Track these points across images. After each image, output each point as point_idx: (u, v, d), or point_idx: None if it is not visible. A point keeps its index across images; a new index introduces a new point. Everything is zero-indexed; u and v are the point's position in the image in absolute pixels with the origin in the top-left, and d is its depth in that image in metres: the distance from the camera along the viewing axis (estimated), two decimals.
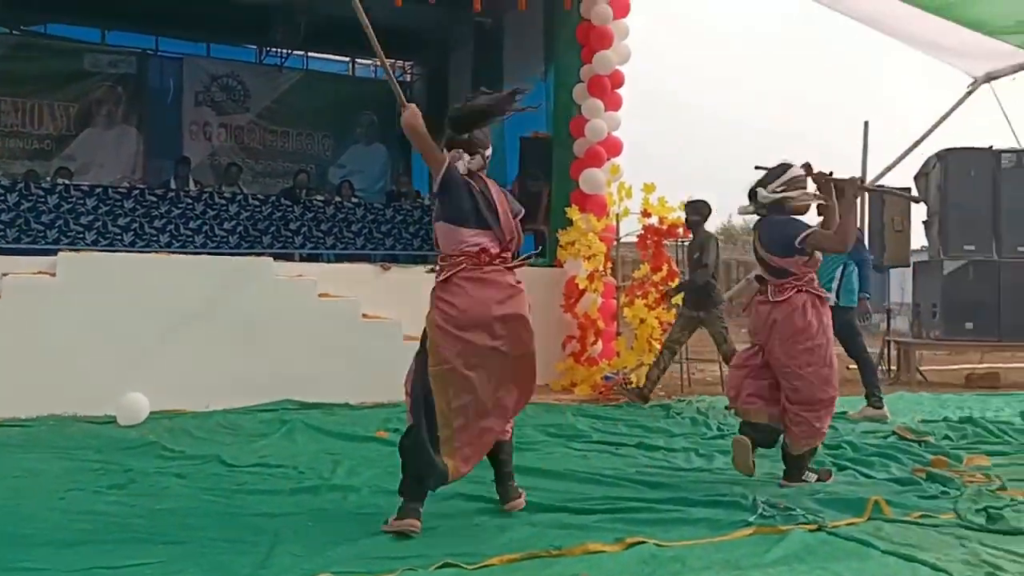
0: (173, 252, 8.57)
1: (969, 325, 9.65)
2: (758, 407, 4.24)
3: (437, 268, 3.59)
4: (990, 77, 10.16)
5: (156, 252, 8.29)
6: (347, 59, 14.26)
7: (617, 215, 8.23)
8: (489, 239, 3.56)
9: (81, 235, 8.73)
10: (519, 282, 3.59)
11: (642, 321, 7.78)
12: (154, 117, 12.50)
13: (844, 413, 6.78)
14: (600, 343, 8.04)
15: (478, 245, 3.52)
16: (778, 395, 4.24)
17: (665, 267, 7.88)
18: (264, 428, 5.66)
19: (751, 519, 3.54)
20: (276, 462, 4.68)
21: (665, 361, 7.17)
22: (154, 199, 9.08)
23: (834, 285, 6.64)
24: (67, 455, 4.80)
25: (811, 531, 3.43)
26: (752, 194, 4.34)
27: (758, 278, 4.46)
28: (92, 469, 4.48)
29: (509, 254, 3.59)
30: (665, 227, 7.87)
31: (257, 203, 9.50)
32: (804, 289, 4.21)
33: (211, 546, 3.21)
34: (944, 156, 9.94)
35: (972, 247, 9.79)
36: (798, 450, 4.24)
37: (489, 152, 3.68)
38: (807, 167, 4.32)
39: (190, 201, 9.21)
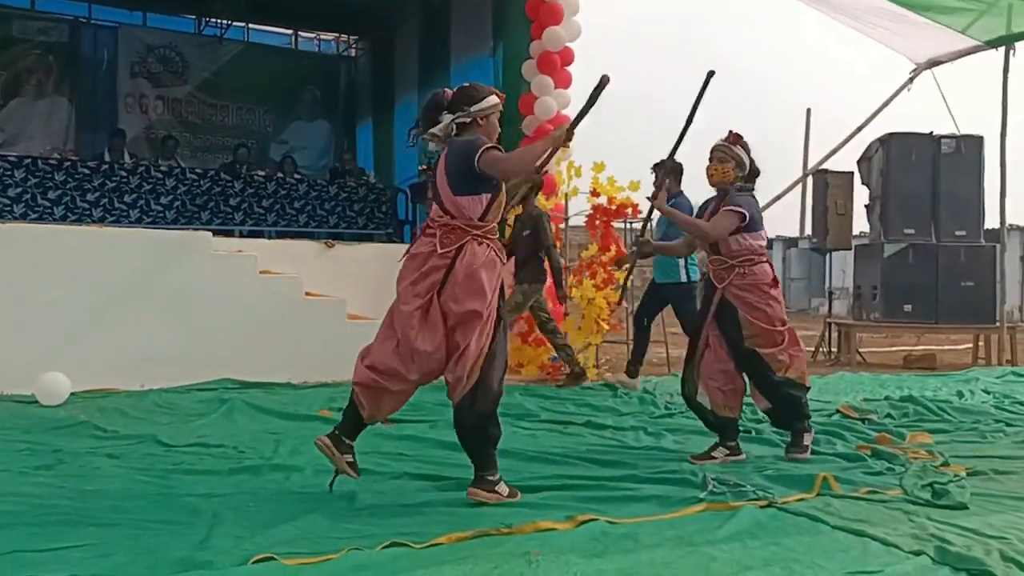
0: (107, 226, 8.28)
1: (908, 308, 9.84)
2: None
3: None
4: (932, 63, 10.33)
5: (88, 226, 8.01)
6: (290, 32, 13.92)
7: (566, 195, 8.16)
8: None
9: (8, 208, 8.38)
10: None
11: (590, 301, 7.74)
12: (87, 88, 12.05)
13: None
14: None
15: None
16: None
17: (613, 247, 7.84)
18: (202, 408, 5.48)
19: (701, 495, 3.51)
20: (215, 442, 4.52)
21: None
22: (87, 172, 8.76)
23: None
24: None
25: (762, 507, 3.41)
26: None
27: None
28: (18, 450, 4.26)
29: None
30: (614, 207, 7.83)
31: (195, 177, 9.23)
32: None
33: (145, 528, 3.05)
34: (886, 141, 10.09)
35: (912, 231, 9.96)
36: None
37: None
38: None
39: (125, 174, 8.90)
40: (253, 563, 2.67)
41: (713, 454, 4.30)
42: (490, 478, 3.46)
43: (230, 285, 6.51)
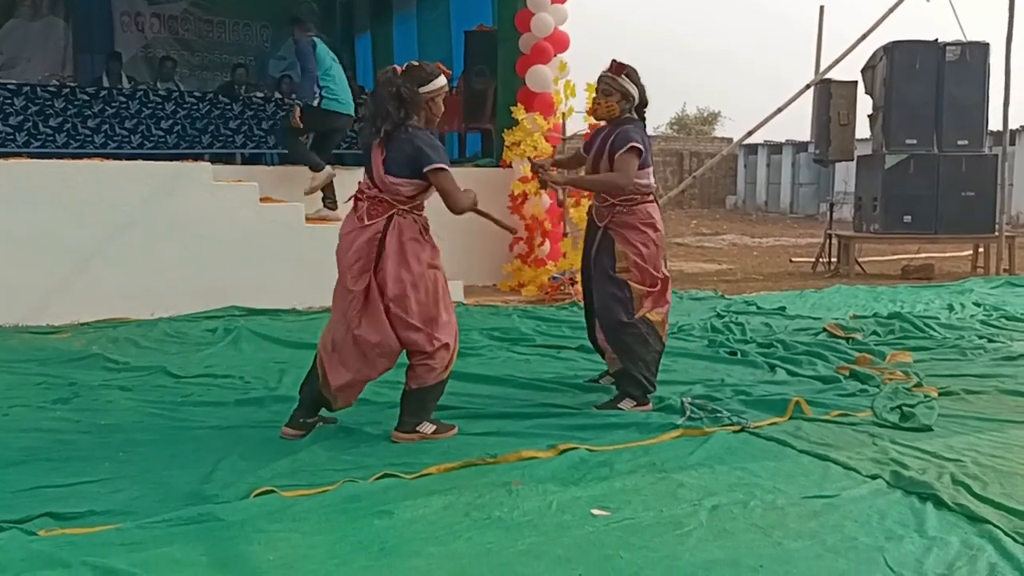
0: (109, 153, 8.36)
1: (907, 219, 9.89)
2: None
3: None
4: None
5: (91, 154, 8.08)
6: None
7: (563, 114, 8.15)
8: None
9: (11, 136, 8.43)
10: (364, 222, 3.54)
11: None
12: (82, 6, 11.87)
13: (783, 309, 7.03)
14: (547, 244, 8.11)
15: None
16: None
17: None
18: (210, 336, 5.69)
19: (679, 422, 3.72)
20: (222, 372, 4.74)
21: None
22: (86, 98, 8.75)
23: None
24: (9, 368, 4.79)
25: (734, 432, 3.62)
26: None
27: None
28: (35, 383, 4.48)
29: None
30: None
31: (194, 100, 9.21)
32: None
33: (156, 461, 3.29)
34: (890, 49, 9.94)
35: (914, 141, 9.92)
36: None
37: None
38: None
39: (124, 100, 8.89)
40: (255, 496, 2.90)
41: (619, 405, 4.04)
42: (413, 420, 3.56)
43: (232, 215, 6.63)
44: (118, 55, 10.52)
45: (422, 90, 3.50)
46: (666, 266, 4.17)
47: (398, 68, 3.55)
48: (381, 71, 3.61)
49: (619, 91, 4.06)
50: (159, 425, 3.80)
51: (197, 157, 8.11)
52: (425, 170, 3.44)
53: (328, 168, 7.25)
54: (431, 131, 3.61)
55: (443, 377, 3.61)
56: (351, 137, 8.62)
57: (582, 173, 4.37)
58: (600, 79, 4.13)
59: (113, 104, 8.80)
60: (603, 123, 4.24)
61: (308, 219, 7.01)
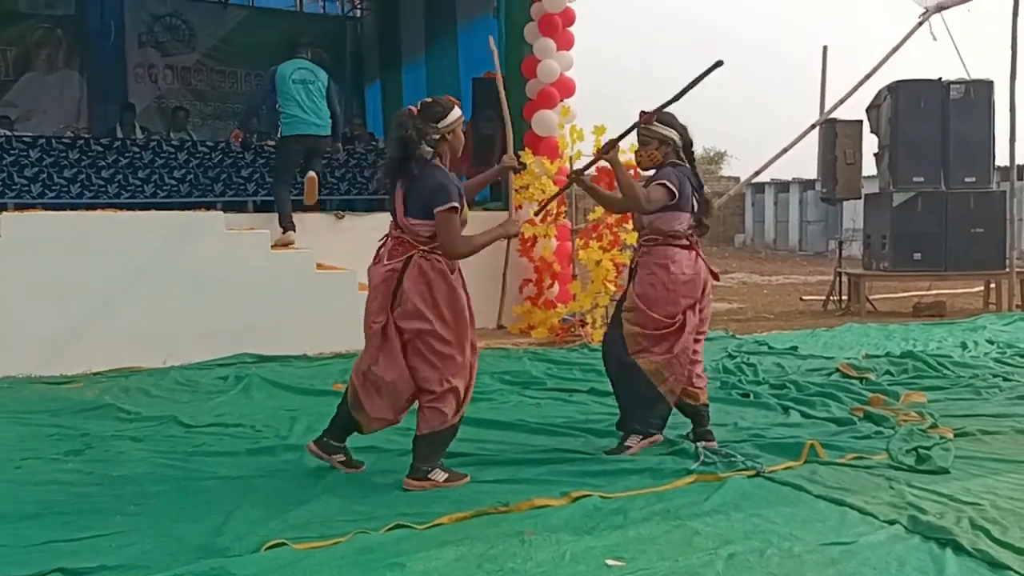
0: (122, 203, 8.45)
1: (917, 256, 9.87)
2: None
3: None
4: (940, 7, 10.19)
5: (104, 204, 8.18)
6: None
7: (571, 157, 8.22)
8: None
9: (27, 188, 8.54)
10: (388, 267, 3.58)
11: (597, 263, 7.86)
12: (96, 60, 12.16)
13: (795, 348, 7.00)
14: (557, 286, 8.14)
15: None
16: None
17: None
18: (221, 384, 5.71)
19: (693, 467, 3.69)
20: (234, 421, 4.74)
21: None
22: (100, 149, 8.88)
23: None
24: (22, 420, 4.81)
25: (749, 477, 3.59)
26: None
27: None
28: (48, 435, 4.50)
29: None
30: None
31: (206, 150, 9.32)
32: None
33: (167, 514, 3.27)
34: (895, 88, 10.01)
35: (921, 178, 9.95)
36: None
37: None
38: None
39: (137, 150, 9.01)
40: (267, 549, 2.87)
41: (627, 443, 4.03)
42: (425, 468, 3.55)
43: (244, 262, 6.69)
44: (132, 106, 10.71)
45: (441, 125, 3.55)
46: (696, 315, 4.00)
47: (413, 109, 3.61)
48: (397, 113, 3.67)
49: (656, 138, 4.01)
50: (171, 476, 3.79)
51: (210, 206, 8.21)
52: (435, 211, 3.47)
53: (291, 234, 7.28)
54: (446, 169, 3.62)
55: (454, 422, 3.60)
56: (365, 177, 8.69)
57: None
58: (637, 132, 4.03)
59: (127, 154, 8.92)
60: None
61: (273, 246, 7.02)
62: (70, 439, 4.41)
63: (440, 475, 3.57)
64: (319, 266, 7.04)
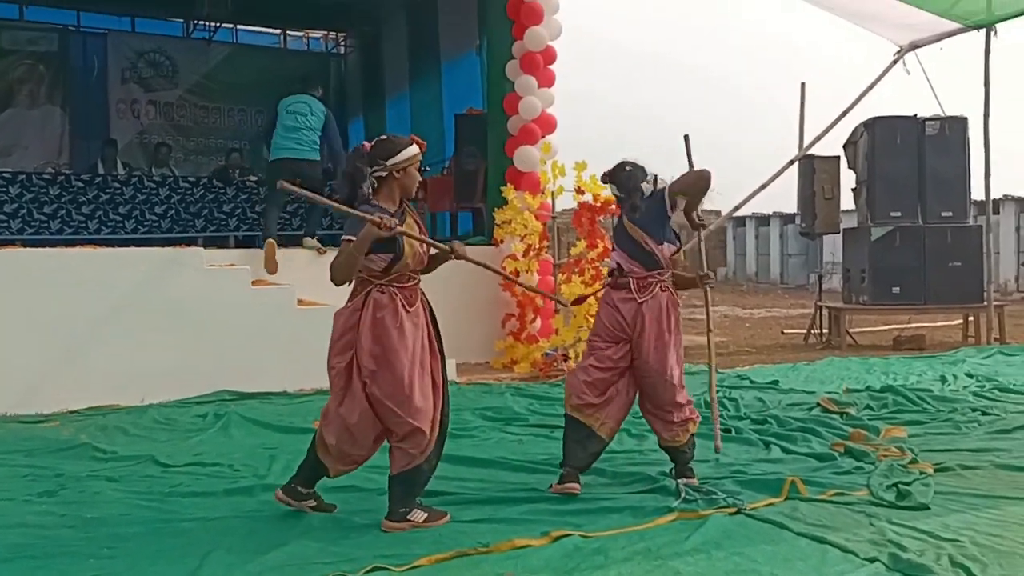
0: (102, 239, 8.43)
1: (896, 290, 9.97)
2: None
3: None
4: (914, 46, 10.38)
5: (85, 240, 8.15)
6: (278, 31, 14.00)
7: (552, 193, 8.27)
8: None
9: (5, 224, 8.53)
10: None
11: None
12: (79, 96, 12.18)
13: (776, 382, 7.02)
14: (539, 320, 8.14)
15: None
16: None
17: (600, 244, 7.97)
18: (200, 423, 5.64)
19: (674, 505, 3.68)
20: (212, 460, 4.68)
21: None
22: (81, 185, 8.90)
23: None
24: None
25: (730, 514, 3.58)
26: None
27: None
28: (22, 475, 4.42)
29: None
30: (599, 204, 7.94)
31: (188, 185, 9.36)
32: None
33: (142, 557, 3.21)
34: (871, 125, 10.18)
35: (898, 213, 10.08)
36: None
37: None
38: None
39: (118, 186, 9.04)
40: None
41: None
42: (403, 510, 3.51)
43: (224, 298, 6.65)
44: (113, 142, 10.74)
45: (390, 162, 3.53)
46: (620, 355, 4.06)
47: (367, 145, 3.60)
48: (353, 148, 3.70)
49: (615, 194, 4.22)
50: (146, 517, 3.73)
51: (191, 241, 8.20)
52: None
53: (271, 241, 7.50)
54: (381, 205, 3.54)
55: (420, 462, 3.53)
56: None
57: None
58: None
59: (107, 190, 8.93)
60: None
61: (254, 283, 7.01)
62: (44, 479, 4.33)
63: (419, 515, 3.53)
64: (300, 302, 7.01)
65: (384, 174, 3.53)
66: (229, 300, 6.66)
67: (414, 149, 3.59)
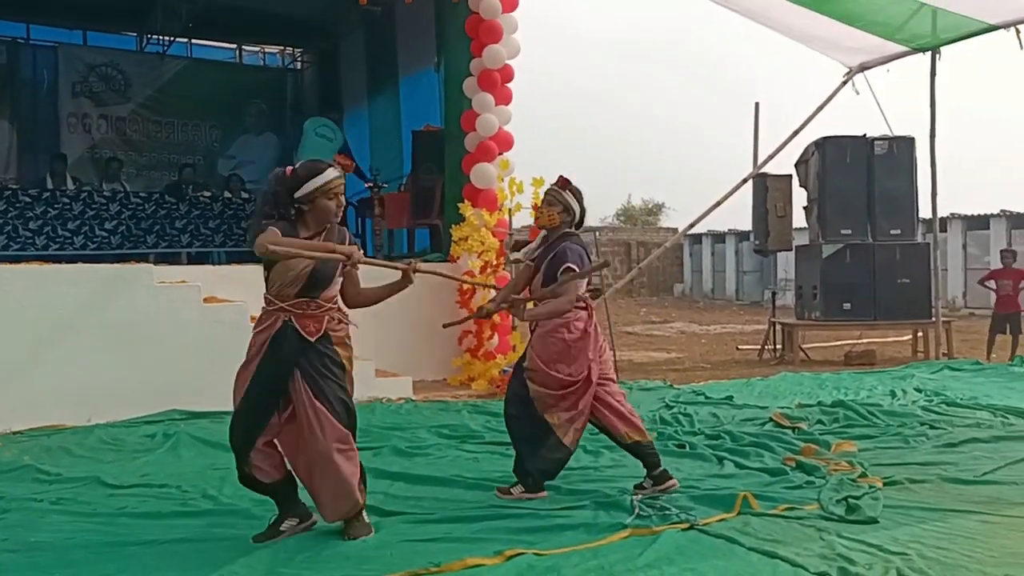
0: (50, 255, 8.24)
1: (847, 305, 10.16)
2: None
3: None
4: (863, 67, 10.63)
5: (31, 256, 7.96)
6: (233, 46, 13.87)
7: (509, 210, 8.29)
8: None
9: None
10: None
11: None
12: (28, 109, 11.94)
13: (731, 398, 7.08)
14: (496, 337, 8.13)
15: None
16: None
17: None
18: (148, 443, 5.52)
19: (627, 521, 3.68)
20: (159, 481, 4.59)
21: None
22: (28, 200, 8.70)
23: None
24: None
25: (683, 530, 3.59)
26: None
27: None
28: None
29: None
30: None
31: (139, 201, 9.21)
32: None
33: None
34: (822, 144, 10.39)
35: (848, 231, 10.29)
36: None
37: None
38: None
39: (67, 201, 8.87)
40: None
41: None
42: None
43: (175, 316, 6.54)
44: (63, 156, 10.53)
45: (297, 195, 3.51)
46: (602, 368, 4.24)
47: (288, 170, 3.58)
48: (272, 173, 3.64)
49: (561, 203, 4.28)
50: (91, 541, 3.63)
51: (141, 258, 8.06)
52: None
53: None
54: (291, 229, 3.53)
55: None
56: None
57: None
58: (547, 191, 4.35)
59: (56, 205, 8.75)
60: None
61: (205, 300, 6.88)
62: None
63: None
64: (253, 319, 6.87)
65: (295, 208, 3.52)
66: (179, 317, 6.55)
67: (324, 177, 3.51)
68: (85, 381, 6.14)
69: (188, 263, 8.84)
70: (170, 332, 6.47)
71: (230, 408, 6.36)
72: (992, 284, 10.57)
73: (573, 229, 4.34)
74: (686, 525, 3.64)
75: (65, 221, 8.73)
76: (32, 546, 3.57)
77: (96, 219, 8.89)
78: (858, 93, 10.66)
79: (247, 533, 3.65)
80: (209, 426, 5.94)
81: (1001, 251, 11.58)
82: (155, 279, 6.61)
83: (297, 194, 3.50)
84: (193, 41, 13.26)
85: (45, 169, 10.25)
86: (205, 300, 6.79)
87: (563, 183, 4.33)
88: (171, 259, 8.80)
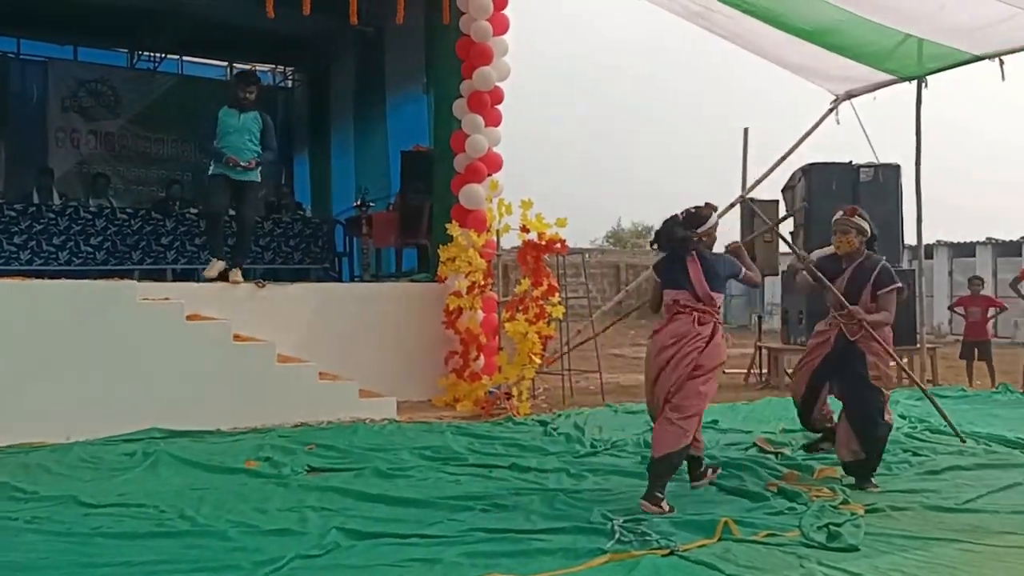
0: (34, 270, 8.19)
1: None
2: None
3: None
4: (850, 95, 10.74)
5: (14, 271, 7.90)
6: (224, 64, 13.88)
7: (498, 231, 8.29)
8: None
9: None
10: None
11: (524, 335, 7.86)
12: (16, 123, 11.90)
13: (716, 422, 7.07)
14: (482, 358, 8.10)
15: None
16: None
17: (545, 282, 8.00)
18: (127, 461, 5.45)
19: (607, 546, 3.65)
20: (137, 500, 4.52)
21: None
22: (13, 214, 8.66)
23: None
24: None
25: (663, 556, 3.57)
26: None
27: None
28: None
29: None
30: (544, 243, 7.98)
31: (125, 217, 9.18)
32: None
33: None
34: (808, 171, 10.45)
35: None
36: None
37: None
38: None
39: (53, 216, 8.83)
40: None
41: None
42: None
43: (158, 333, 6.49)
44: (50, 171, 10.49)
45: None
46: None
47: None
48: None
49: (854, 228, 4.98)
50: (65, 561, 3.58)
51: (126, 274, 8.01)
52: None
53: (219, 262, 7.53)
54: None
55: None
56: None
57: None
58: (836, 221, 5.07)
59: (42, 220, 8.72)
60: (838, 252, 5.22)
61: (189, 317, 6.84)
62: None
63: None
64: (236, 337, 6.87)
65: None
66: (161, 335, 6.50)
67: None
68: (65, 398, 6.08)
69: (173, 280, 8.79)
70: (152, 350, 6.42)
71: (211, 427, 6.40)
72: (961, 310, 10.66)
73: (873, 250, 5.07)
74: (666, 551, 3.62)
75: (50, 236, 8.68)
76: (4, 566, 3.51)
77: (82, 235, 8.85)
78: (839, 123, 10.80)
79: (223, 555, 3.61)
80: (189, 445, 5.90)
81: (969, 278, 11.66)
82: (138, 296, 6.56)
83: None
84: (184, 58, 13.28)
85: (32, 184, 10.19)
86: (188, 318, 6.75)
87: (852, 211, 4.97)
88: (156, 276, 8.75)
